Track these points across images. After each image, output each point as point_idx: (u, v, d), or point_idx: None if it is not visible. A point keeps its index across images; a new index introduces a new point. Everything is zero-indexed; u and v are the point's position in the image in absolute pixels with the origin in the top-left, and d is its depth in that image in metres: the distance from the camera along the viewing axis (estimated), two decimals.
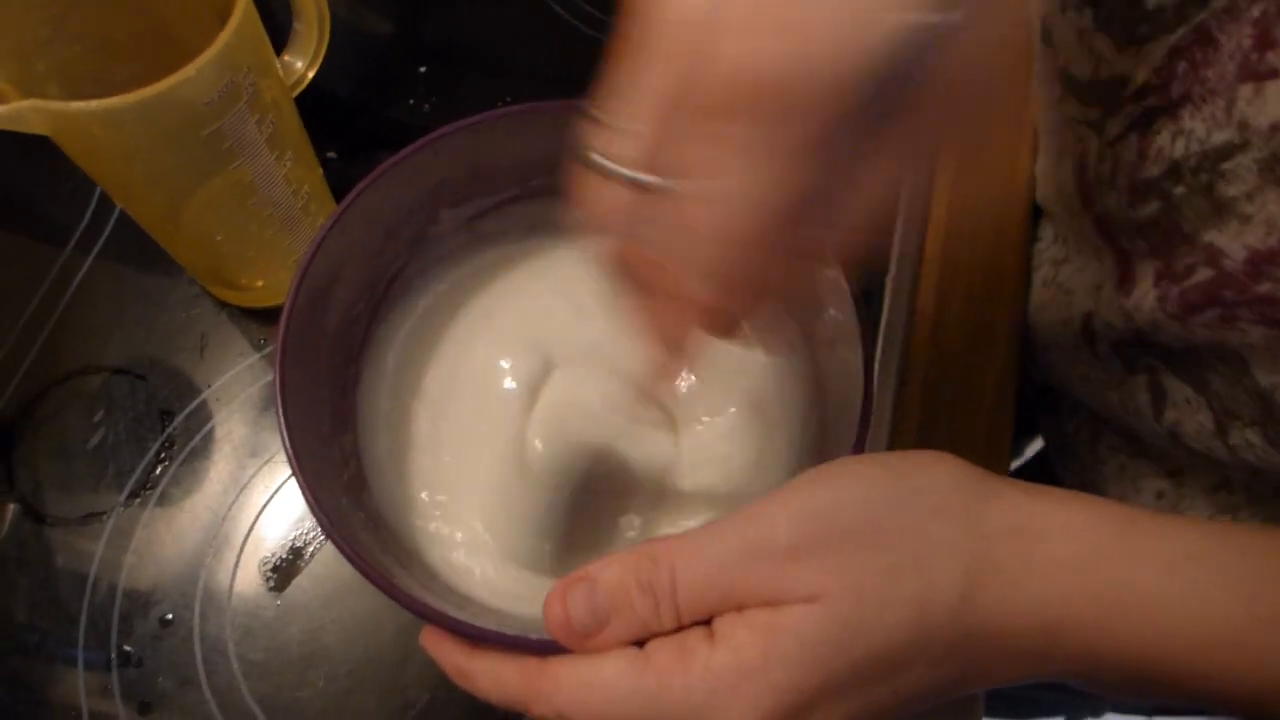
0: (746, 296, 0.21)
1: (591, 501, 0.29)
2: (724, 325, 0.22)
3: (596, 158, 0.20)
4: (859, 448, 0.25)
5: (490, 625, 0.23)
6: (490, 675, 0.23)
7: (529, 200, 0.32)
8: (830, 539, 0.20)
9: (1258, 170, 0.25)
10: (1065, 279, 0.38)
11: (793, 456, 0.29)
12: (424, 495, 0.30)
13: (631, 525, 0.29)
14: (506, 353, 0.31)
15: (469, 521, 0.29)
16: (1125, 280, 0.32)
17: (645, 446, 0.30)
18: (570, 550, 0.29)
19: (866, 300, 0.27)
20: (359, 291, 0.30)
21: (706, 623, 0.21)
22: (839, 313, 0.27)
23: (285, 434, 0.25)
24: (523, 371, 0.30)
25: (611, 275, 0.22)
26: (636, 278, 0.22)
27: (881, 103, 0.18)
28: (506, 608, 0.28)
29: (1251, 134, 0.25)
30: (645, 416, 0.30)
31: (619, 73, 0.19)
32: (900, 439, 0.36)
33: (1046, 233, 0.41)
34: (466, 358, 0.31)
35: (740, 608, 0.21)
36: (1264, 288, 0.26)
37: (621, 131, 0.19)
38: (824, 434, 0.28)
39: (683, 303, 0.21)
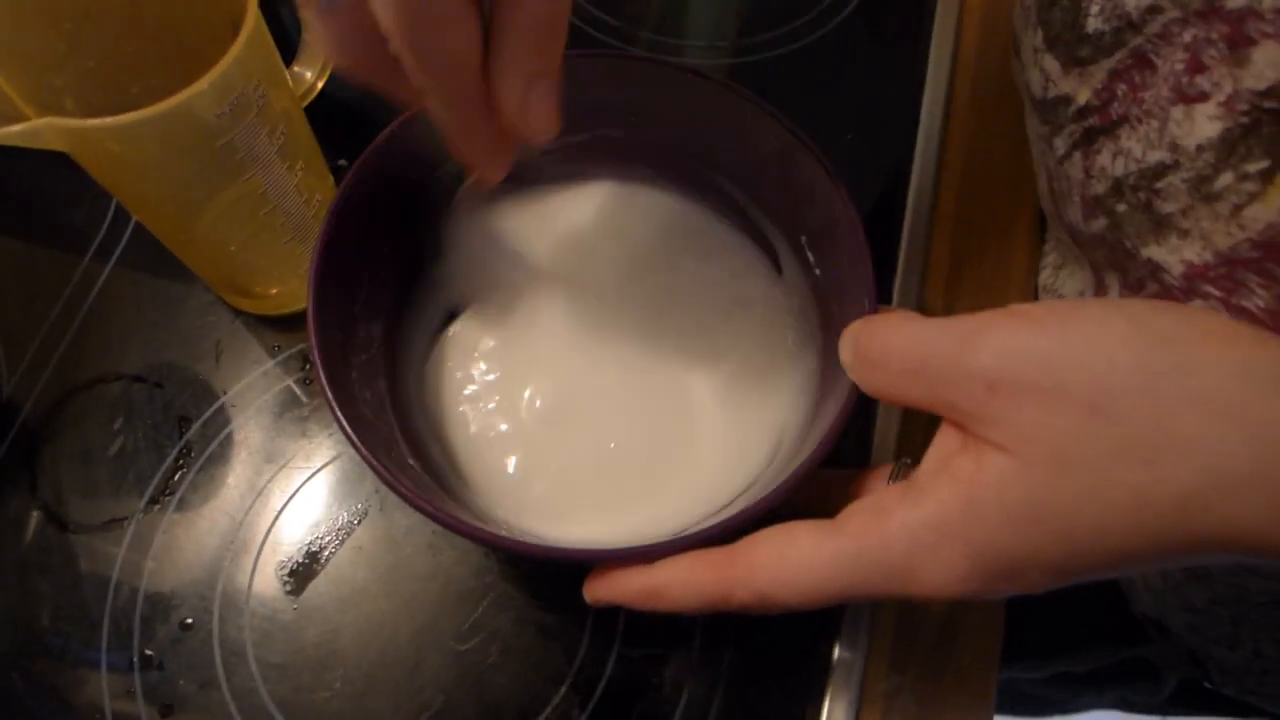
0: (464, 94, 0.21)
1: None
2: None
3: None
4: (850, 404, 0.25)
5: (537, 541, 0.25)
6: (682, 582, 0.23)
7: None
8: (1040, 390, 0.19)
9: (1187, 189, 0.25)
10: (1059, 285, 0.38)
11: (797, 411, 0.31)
12: (448, 409, 0.31)
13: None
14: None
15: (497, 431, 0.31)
16: (1100, 290, 0.32)
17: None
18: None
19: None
20: (419, 205, 0.31)
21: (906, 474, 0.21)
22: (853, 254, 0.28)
23: (312, 299, 0.26)
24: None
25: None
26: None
27: None
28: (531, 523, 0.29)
29: (1181, 154, 0.25)
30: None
31: None
32: (911, 423, 0.36)
33: (1050, 237, 0.41)
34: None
35: (942, 411, 0.20)
36: (1194, 305, 0.26)
37: None
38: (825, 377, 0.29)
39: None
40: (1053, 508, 0.19)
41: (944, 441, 0.22)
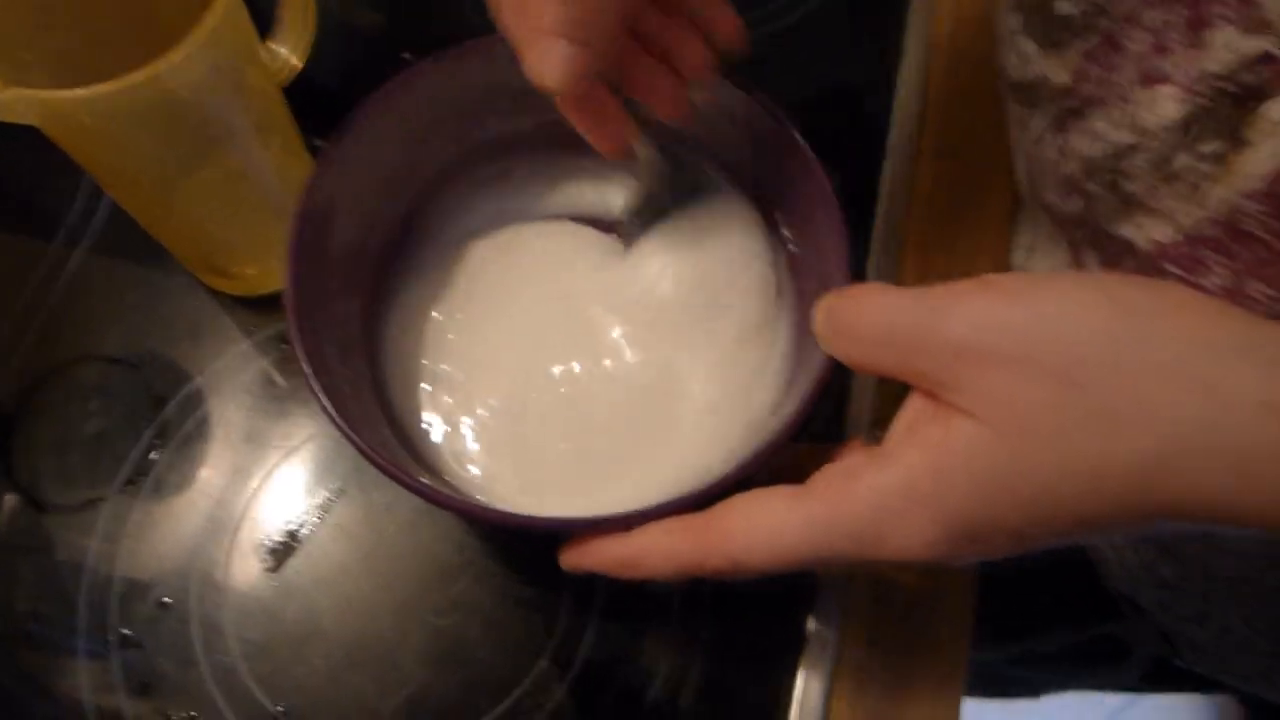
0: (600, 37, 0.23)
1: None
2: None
3: None
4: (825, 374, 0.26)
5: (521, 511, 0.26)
6: (657, 549, 0.23)
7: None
8: (1011, 359, 0.19)
9: (1150, 169, 0.26)
10: (1031, 267, 0.38)
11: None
12: (425, 386, 0.31)
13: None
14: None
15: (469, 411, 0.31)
16: (1076, 269, 0.32)
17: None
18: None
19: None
20: (400, 182, 0.32)
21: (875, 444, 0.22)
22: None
23: (291, 275, 0.26)
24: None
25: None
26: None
27: None
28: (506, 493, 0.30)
29: (1144, 135, 0.25)
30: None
31: None
32: (885, 397, 0.36)
33: (1023, 220, 0.42)
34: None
35: (913, 379, 0.21)
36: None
37: None
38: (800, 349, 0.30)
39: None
40: (1020, 475, 0.19)
41: (913, 408, 0.22)
